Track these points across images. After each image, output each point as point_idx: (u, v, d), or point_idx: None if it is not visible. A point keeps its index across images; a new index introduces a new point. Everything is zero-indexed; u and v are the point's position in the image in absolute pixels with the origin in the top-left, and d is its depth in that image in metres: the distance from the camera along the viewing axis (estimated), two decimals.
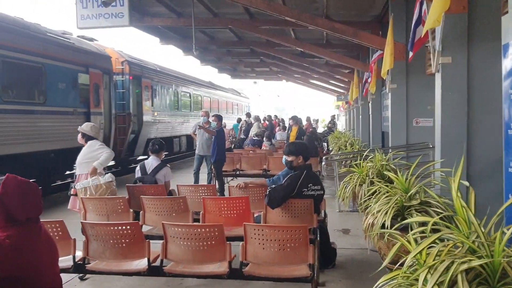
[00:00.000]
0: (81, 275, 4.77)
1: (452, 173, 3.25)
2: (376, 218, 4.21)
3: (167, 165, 6.53)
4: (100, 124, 12.21)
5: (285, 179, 4.97)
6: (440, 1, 4.28)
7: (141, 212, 5.35)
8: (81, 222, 4.03)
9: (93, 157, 6.10)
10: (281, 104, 71.48)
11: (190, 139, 18.83)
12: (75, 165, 6.70)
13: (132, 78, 14.63)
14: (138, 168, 6.47)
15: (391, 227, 3.82)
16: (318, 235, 4.80)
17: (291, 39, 13.59)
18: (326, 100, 52.09)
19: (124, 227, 3.95)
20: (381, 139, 12.21)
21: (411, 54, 6.14)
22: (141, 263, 3.97)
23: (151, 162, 6.38)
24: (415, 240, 2.93)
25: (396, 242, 2.95)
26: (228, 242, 3.85)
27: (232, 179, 11.57)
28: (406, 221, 3.42)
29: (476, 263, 2.28)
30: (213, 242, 3.80)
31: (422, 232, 3.00)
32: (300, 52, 15.97)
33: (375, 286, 2.64)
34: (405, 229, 3.72)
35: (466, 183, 3.20)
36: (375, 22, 11.65)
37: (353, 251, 5.85)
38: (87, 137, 6.30)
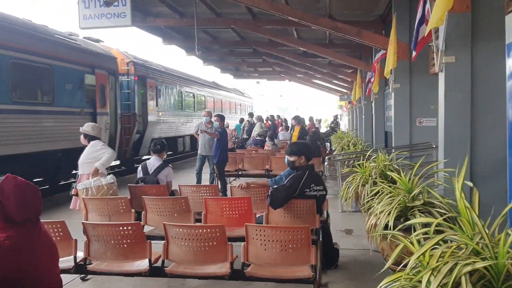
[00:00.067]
0: (82, 275, 4.76)
1: (455, 173, 3.22)
2: (379, 218, 4.18)
3: (169, 165, 6.51)
4: (106, 124, 12.41)
5: (287, 179, 4.94)
6: (443, 0, 4.25)
7: (143, 212, 5.33)
8: (82, 223, 4.02)
9: (95, 157, 6.08)
10: (284, 104, 71.48)
11: (194, 139, 18.91)
12: None
13: (137, 79, 14.81)
14: (140, 168, 6.45)
15: (394, 228, 3.79)
16: (321, 236, 4.77)
17: (294, 39, 13.57)
18: (329, 100, 52.10)
19: (125, 228, 3.92)
20: (384, 139, 12.18)
21: (414, 53, 6.11)
22: (143, 264, 3.95)
23: (153, 162, 6.36)
24: (418, 242, 2.90)
25: (399, 243, 2.92)
26: (230, 243, 3.82)
27: (234, 179, 11.55)
28: (409, 222, 3.39)
29: (480, 265, 2.25)
30: (215, 243, 3.78)
31: (425, 233, 2.97)
32: (303, 52, 15.96)
33: (377, 287, 2.61)
34: (408, 230, 3.69)
35: (470, 184, 3.16)
36: (378, 22, 11.63)
37: (355, 252, 5.81)
38: (90, 137, 6.29)
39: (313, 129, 17.58)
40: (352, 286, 4.74)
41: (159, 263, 3.93)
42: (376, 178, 6.08)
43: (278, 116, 27.71)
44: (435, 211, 3.96)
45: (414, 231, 3.26)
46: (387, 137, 11.98)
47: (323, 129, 31.02)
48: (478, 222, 2.62)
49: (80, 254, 4.04)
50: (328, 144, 19.10)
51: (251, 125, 19.14)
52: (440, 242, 2.55)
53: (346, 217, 7.70)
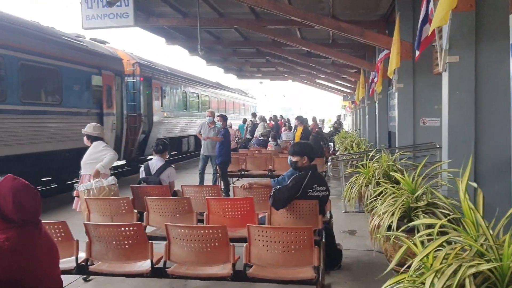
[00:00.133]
0: (84, 276, 4.75)
1: (459, 173, 3.18)
2: (382, 219, 4.15)
3: (172, 165, 6.50)
4: (113, 125, 12.64)
5: (290, 179, 4.92)
6: None
7: (145, 213, 5.32)
8: (84, 223, 4.01)
9: (97, 158, 6.08)
10: (288, 104, 71.48)
11: (198, 139, 19.05)
12: None
13: (142, 80, 14.97)
14: (142, 168, 6.45)
15: (397, 229, 3.76)
16: (324, 237, 4.74)
17: (297, 39, 13.54)
18: (333, 100, 51.98)
19: (127, 228, 3.91)
20: (388, 139, 12.13)
21: (417, 53, 6.06)
22: (144, 265, 3.94)
23: (155, 162, 6.35)
24: (422, 243, 2.87)
25: (402, 244, 2.90)
26: (232, 244, 3.80)
27: (237, 180, 11.53)
28: (412, 223, 3.36)
29: (484, 267, 2.22)
30: (217, 244, 3.76)
31: (429, 234, 2.94)
32: (306, 52, 15.92)
33: None
34: (411, 231, 3.67)
35: (474, 184, 3.13)
36: (381, 21, 11.59)
37: (359, 253, 5.78)
38: (92, 138, 6.29)
39: (316, 129, 17.56)
40: (355, 287, 4.72)
41: (161, 264, 3.92)
42: (379, 178, 6.05)
43: (281, 116, 27.70)
44: (439, 212, 3.93)
45: (418, 232, 3.23)
46: (390, 137, 11.93)
47: (326, 129, 30.97)
48: (483, 223, 2.59)
49: (82, 255, 4.03)
50: (332, 144, 19.08)
51: (254, 125, 19.14)
52: (444, 243, 2.53)
53: (349, 218, 7.67)
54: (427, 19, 5.43)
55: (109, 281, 4.71)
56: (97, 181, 5.80)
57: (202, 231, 3.80)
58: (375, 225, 4.33)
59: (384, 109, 12.29)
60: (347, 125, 38.50)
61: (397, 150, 7.82)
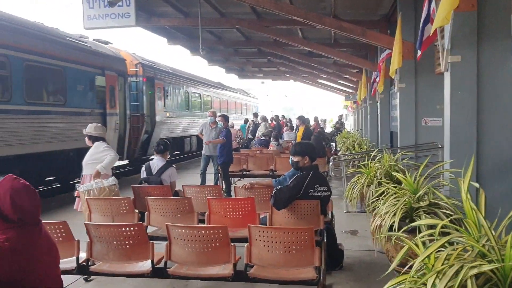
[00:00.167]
0: (85, 276, 4.75)
1: (461, 173, 3.17)
2: (383, 219, 4.13)
3: (173, 165, 6.49)
4: (116, 125, 12.76)
5: (291, 180, 4.91)
6: None
7: (146, 213, 5.31)
8: (85, 223, 4.00)
9: (98, 158, 6.07)
10: (290, 104, 71.44)
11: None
12: None
13: (145, 80, 15.09)
14: (143, 168, 6.44)
15: (399, 229, 3.75)
16: (325, 237, 4.73)
17: (298, 39, 13.53)
18: (335, 100, 51.97)
19: (127, 229, 3.90)
20: (390, 139, 12.11)
21: (419, 53, 6.05)
22: (145, 265, 3.93)
23: (157, 162, 6.34)
24: (424, 243, 2.85)
25: (404, 245, 2.88)
26: (233, 244, 3.79)
27: (239, 180, 11.52)
28: (414, 223, 3.34)
29: (486, 267, 2.21)
30: (218, 244, 3.75)
31: (431, 235, 2.92)
32: (308, 51, 15.91)
33: None
34: (413, 231, 3.65)
35: (476, 185, 3.11)
36: (383, 21, 11.57)
37: (361, 253, 5.77)
38: (94, 138, 6.28)
39: (318, 129, 17.54)
40: None
41: (161, 264, 3.91)
42: (381, 178, 6.03)
43: (283, 116, 27.68)
44: (441, 212, 3.91)
45: (420, 232, 3.22)
46: (392, 137, 11.91)
47: (328, 129, 30.94)
48: (485, 223, 2.57)
49: (83, 255, 4.02)
50: (334, 144, 19.06)
51: (256, 125, 19.14)
52: (446, 244, 2.51)
53: (351, 218, 7.66)
54: (429, 19, 5.41)
55: (110, 281, 4.70)
56: (98, 182, 5.79)
57: (203, 231, 3.79)
58: (376, 225, 4.31)
59: (386, 109, 12.27)
60: (349, 125, 38.46)
61: (399, 150, 7.79)
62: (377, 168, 6.39)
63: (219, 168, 10.02)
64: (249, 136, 18.96)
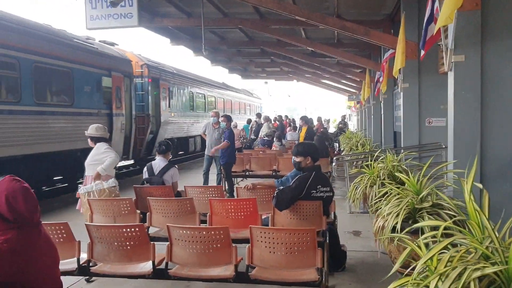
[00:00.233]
0: (87, 277, 4.74)
1: (465, 174, 3.13)
2: (386, 220, 4.10)
3: (175, 166, 6.47)
4: (122, 125, 12.97)
5: (293, 180, 4.88)
6: None
7: (147, 213, 5.30)
8: (86, 224, 3.99)
9: (99, 159, 6.05)
10: (293, 104, 71.40)
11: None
12: None
13: (150, 81, 15.27)
14: (145, 169, 6.43)
15: (401, 230, 3.71)
16: (328, 238, 4.70)
17: (301, 39, 13.49)
18: (339, 100, 51.88)
19: (128, 229, 3.88)
20: (393, 139, 12.07)
21: (423, 52, 6.00)
22: (146, 266, 3.91)
23: (158, 163, 6.32)
24: (427, 245, 2.82)
25: (406, 246, 2.85)
26: (234, 245, 3.77)
27: (242, 180, 11.50)
28: (416, 225, 3.31)
29: (489, 270, 2.17)
30: (219, 245, 3.73)
31: (434, 236, 2.89)
32: (311, 51, 15.86)
33: None
34: (416, 233, 3.62)
35: (480, 185, 3.08)
36: (386, 21, 11.53)
37: (363, 254, 5.73)
38: (95, 139, 6.26)
39: (321, 129, 17.50)
40: None
41: (163, 265, 3.89)
42: (384, 179, 6.00)
43: (286, 116, 27.65)
44: (444, 213, 3.88)
45: (423, 233, 3.18)
46: (396, 137, 11.87)
47: (331, 129, 30.89)
48: (488, 225, 2.54)
49: (84, 256, 4.01)
50: (337, 144, 19.02)
51: (259, 126, 19.12)
52: (449, 246, 2.48)
53: (354, 219, 7.62)
54: (432, 18, 5.37)
55: (111, 282, 4.68)
56: (98, 184, 5.78)
57: (204, 232, 3.77)
58: (379, 226, 4.28)
59: (389, 109, 12.23)
60: (352, 125, 38.39)
61: (402, 151, 7.75)
62: (380, 169, 6.36)
63: (221, 168, 9.99)
64: (252, 137, 18.95)
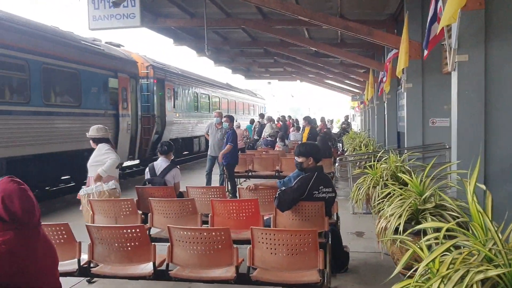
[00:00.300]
0: (88, 278, 4.72)
1: (468, 175, 3.09)
2: (389, 221, 4.07)
3: (177, 166, 6.46)
4: (128, 125, 13.14)
5: (295, 181, 4.85)
6: None
7: (149, 214, 5.28)
8: (86, 225, 3.97)
9: (100, 160, 6.01)
10: (296, 105, 71.32)
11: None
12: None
13: (156, 82, 15.41)
14: (147, 169, 6.41)
15: (404, 232, 3.68)
16: (330, 239, 4.67)
17: (305, 39, 13.46)
18: (342, 100, 51.79)
19: (129, 230, 3.87)
20: (397, 140, 12.02)
21: (426, 52, 5.96)
22: (147, 267, 3.89)
23: (160, 163, 6.31)
24: (429, 247, 2.79)
25: (409, 248, 2.82)
26: (235, 246, 3.75)
27: (245, 181, 11.48)
28: (418, 226, 3.27)
29: (493, 272, 2.14)
30: (220, 246, 3.71)
31: (437, 238, 2.86)
32: (314, 51, 15.84)
33: None
34: (419, 234, 3.58)
35: (483, 186, 3.04)
36: (390, 21, 11.47)
37: (366, 255, 5.70)
38: (97, 140, 6.23)
39: (324, 130, 17.45)
40: None
41: (163, 267, 3.87)
42: (387, 179, 5.96)
43: (289, 116, 27.63)
44: (448, 214, 3.84)
45: (426, 234, 3.15)
46: (399, 137, 11.82)
47: (335, 130, 30.83)
48: (491, 227, 2.49)
49: (85, 257, 3.99)
50: (340, 144, 18.96)
51: (261, 126, 19.10)
52: (451, 248, 2.44)
53: (357, 219, 7.58)
54: (435, 18, 5.33)
55: (113, 283, 4.67)
56: (97, 186, 5.76)
57: (205, 234, 3.75)
58: (382, 228, 4.25)
59: (393, 109, 12.18)
60: (356, 125, 38.31)
61: (405, 151, 7.71)
62: (383, 169, 6.31)
63: (224, 169, 9.97)
64: (255, 137, 18.94)
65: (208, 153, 10.51)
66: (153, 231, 5.30)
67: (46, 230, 3.80)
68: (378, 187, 6.02)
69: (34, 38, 9.50)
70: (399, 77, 8.42)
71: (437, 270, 2.30)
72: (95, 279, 4.75)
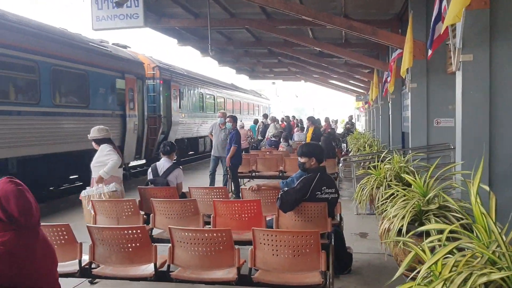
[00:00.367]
0: (90, 279, 4.71)
1: (471, 175, 3.05)
2: (392, 223, 4.03)
3: (179, 166, 6.43)
4: (135, 126, 13.34)
5: (298, 181, 4.82)
6: None
7: (151, 215, 5.26)
8: (87, 226, 3.95)
9: (102, 161, 6.00)
10: (301, 105, 71.25)
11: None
12: None
13: (162, 82, 15.55)
14: (150, 170, 6.39)
15: (407, 233, 3.64)
16: (333, 240, 4.63)
17: (309, 39, 13.41)
18: (347, 101, 51.70)
19: (130, 231, 3.85)
20: (401, 140, 11.96)
21: (430, 51, 5.91)
22: (148, 268, 3.87)
23: (163, 163, 6.29)
24: (433, 249, 2.75)
25: (412, 250, 2.78)
26: (237, 247, 3.72)
27: (248, 181, 11.45)
28: (421, 228, 3.24)
29: (496, 275, 2.10)
30: (221, 248, 3.68)
31: (440, 239, 2.82)
32: (319, 51, 15.77)
33: None
34: (422, 235, 3.54)
35: (486, 188, 2.99)
36: (395, 20, 11.42)
37: (370, 256, 5.66)
38: (99, 141, 6.22)
39: (328, 130, 17.41)
40: None
41: (165, 268, 3.85)
42: (390, 180, 5.92)
43: (293, 117, 27.60)
44: (451, 216, 3.80)
45: (429, 236, 3.11)
46: (404, 137, 11.76)
47: (339, 130, 30.76)
48: (495, 229, 2.46)
49: (86, 258, 3.98)
50: (345, 145, 18.91)
51: (265, 127, 19.08)
52: (454, 250, 2.41)
53: (361, 220, 7.54)
54: (440, 17, 5.29)
55: (115, 284, 4.65)
56: (98, 188, 5.76)
57: (206, 235, 3.72)
58: (385, 229, 4.21)
59: (397, 109, 12.12)
60: (361, 125, 38.20)
61: (410, 151, 7.66)
62: (386, 170, 6.27)
63: (228, 169, 9.95)
64: (259, 137, 18.93)
65: (212, 153, 10.49)
66: (155, 232, 5.29)
67: (47, 230, 3.82)
68: (381, 187, 5.98)
69: (44, 40, 9.67)
70: (404, 77, 8.37)
71: (440, 273, 2.27)
72: (97, 280, 4.74)
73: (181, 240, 3.74)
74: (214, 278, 3.76)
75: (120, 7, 8.42)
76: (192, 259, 3.76)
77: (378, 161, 6.85)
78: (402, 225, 3.82)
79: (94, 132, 6.20)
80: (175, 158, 6.64)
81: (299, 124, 21.79)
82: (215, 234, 3.71)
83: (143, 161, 16.58)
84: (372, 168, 6.75)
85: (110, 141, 6.25)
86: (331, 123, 23.43)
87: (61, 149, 10.13)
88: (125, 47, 14.63)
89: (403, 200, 4.32)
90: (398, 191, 4.71)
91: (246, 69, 24.04)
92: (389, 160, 6.68)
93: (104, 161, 5.97)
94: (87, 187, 6.15)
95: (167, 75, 16.04)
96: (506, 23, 4.74)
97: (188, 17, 11.81)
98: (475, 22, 4.71)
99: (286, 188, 4.90)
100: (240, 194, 6.56)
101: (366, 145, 12.84)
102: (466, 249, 2.47)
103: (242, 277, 3.67)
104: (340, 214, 5.45)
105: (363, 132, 23.46)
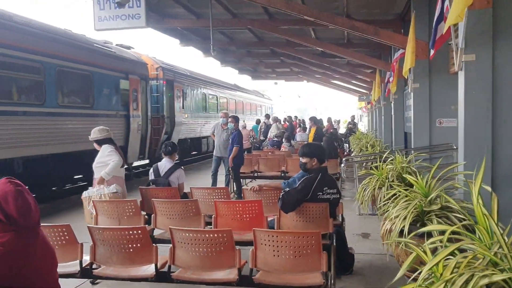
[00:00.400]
0: (92, 279, 4.71)
1: (474, 176, 3.03)
2: (394, 223, 4.01)
3: (181, 167, 6.43)
4: (138, 126, 13.46)
5: (299, 182, 4.81)
6: None
7: (152, 215, 5.26)
8: (88, 226, 3.95)
9: (104, 162, 5.99)
10: (303, 105, 71.21)
11: None
12: None
13: (165, 83, 15.70)
14: (151, 170, 6.38)
15: (409, 233, 3.62)
16: (335, 240, 4.61)
17: (311, 39, 13.40)
18: (349, 101, 51.65)
19: (131, 232, 3.84)
20: (404, 140, 11.93)
21: (432, 51, 5.89)
22: (149, 269, 3.86)
23: (165, 164, 6.28)
24: (435, 249, 2.73)
25: (413, 251, 2.76)
26: (238, 248, 3.71)
27: (250, 181, 11.44)
28: (422, 229, 3.22)
29: (498, 277, 2.08)
30: (222, 248, 3.67)
31: (442, 240, 2.80)
32: (321, 52, 15.77)
33: None
34: (424, 236, 3.52)
35: (488, 188, 2.97)
36: (397, 20, 11.40)
37: (372, 256, 5.64)
38: (100, 142, 6.21)
39: (331, 130, 17.39)
40: None
41: (165, 268, 3.84)
42: (392, 180, 5.90)
43: (296, 117, 27.58)
44: (453, 216, 3.78)
45: (431, 236, 3.10)
46: (406, 138, 11.73)
47: (342, 130, 30.73)
48: (497, 230, 2.44)
49: (87, 258, 3.97)
50: (347, 145, 18.89)
51: (267, 127, 19.07)
52: (456, 251, 2.39)
53: (363, 220, 7.52)
54: (442, 17, 5.26)
55: (116, 285, 4.64)
56: (99, 189, 5.75)
57: (207, 235, 3.72)
58: (386, 230, 4.19)
59: (399, 109, 12.10)
60: (364, 126, 38.15)
61: (412, 151, 7.64)
62: (388, 170, 6.25)
63: (230, 169, 9.94)
64: (261, 138, 18.93)
65: (214, 153, 10.49)
66: (157, 232, 5.28)
67: (48, 231, 3.82)
68: (383, 188, 5.96)
69: (49, 41, 9.76)
70: (406, 77, 8.34)
71: (441, 274, 2.25)
72: (98, 280, 4.73)
73: (182, 241, 3.73)
74: (215, 279, 3.75)
75: (122, 7, 8.42)
76: (193, 259, 3.75)
77: (380, 162, 6.83)
78: (404, 226, 3.80)
79: (95, 133, 6.19)
80: (177, 159, 6.63)
81: (301, 124, 21.75)
82: (216, 235, 3.70)
83: (147, 161, 16.67)
84: (374, 168, 6.73)
85: (112, 142, 6.23)
86: (333, 123, 23.39)
87: (66, 149, 10.24)
88: (128, 48, 14.71)
89: (405, 201, 4.30)
90: (400, 191, 4.70)
91: (248, 69, 24.04)
92: (391, 160, 6.65)
93: (105, 161, 5.96)
94: (89, 188, 6.15)
95: (170, 75, 16.12)
96: (509, 23, 4.71)
97: (190, 18, 11.82)
98: (478, 22, 4.68)
99: (288, 189, 4.88)
100: (242, 194, 6.55)
101: (369, 145, 12.82)
102: (467, 251, 2.45)
103: (243, 278, 3.66)
104: (342, 215, 5.44)
105: (365, 132, 23.41)
